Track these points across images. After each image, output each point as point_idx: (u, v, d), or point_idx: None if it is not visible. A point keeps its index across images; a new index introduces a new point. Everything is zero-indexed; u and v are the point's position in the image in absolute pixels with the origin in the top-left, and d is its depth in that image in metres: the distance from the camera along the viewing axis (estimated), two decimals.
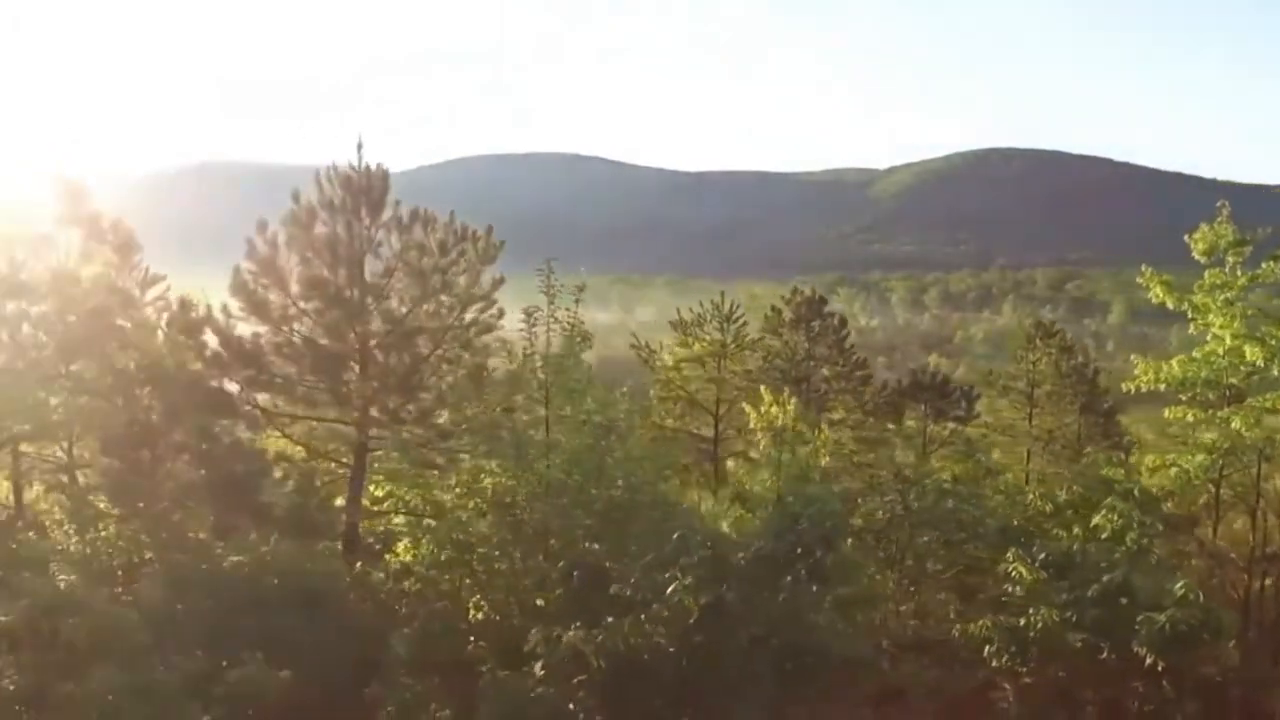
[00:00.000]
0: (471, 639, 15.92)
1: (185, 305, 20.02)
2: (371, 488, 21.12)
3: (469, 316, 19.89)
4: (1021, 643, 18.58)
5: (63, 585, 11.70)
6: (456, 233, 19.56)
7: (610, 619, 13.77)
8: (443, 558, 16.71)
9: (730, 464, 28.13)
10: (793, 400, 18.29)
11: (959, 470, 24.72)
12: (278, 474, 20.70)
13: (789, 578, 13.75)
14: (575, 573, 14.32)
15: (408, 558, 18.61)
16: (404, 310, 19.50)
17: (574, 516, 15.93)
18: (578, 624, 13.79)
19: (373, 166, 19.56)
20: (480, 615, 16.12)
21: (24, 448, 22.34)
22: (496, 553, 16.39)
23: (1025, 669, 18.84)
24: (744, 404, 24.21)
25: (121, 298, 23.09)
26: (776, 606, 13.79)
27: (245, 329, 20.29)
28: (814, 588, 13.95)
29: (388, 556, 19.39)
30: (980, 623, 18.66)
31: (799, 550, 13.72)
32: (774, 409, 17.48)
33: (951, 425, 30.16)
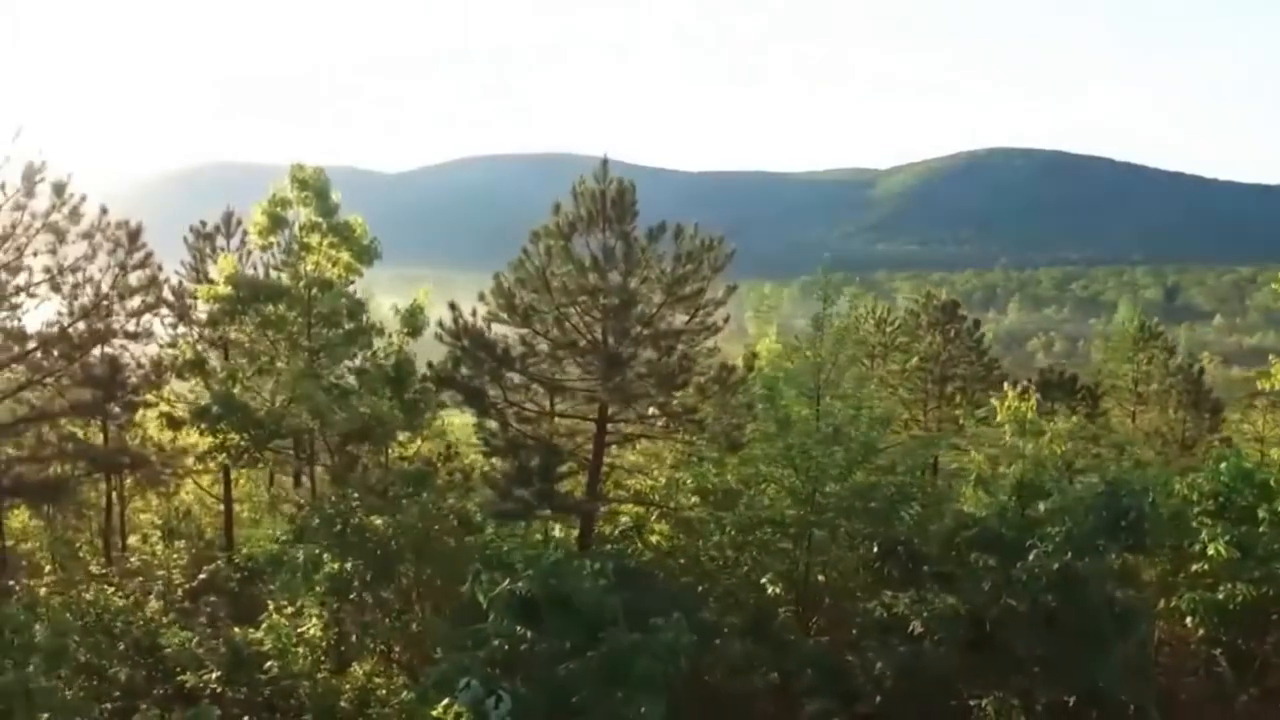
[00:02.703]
0: (780, 609, 17.67)
1: (454, 308, 21.71)
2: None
3: (706, 319, 21.66)
4: (1224, 614, 20.55)
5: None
6: (701, 243, 21.33)
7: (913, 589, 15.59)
8: (721, 539, 18.44)
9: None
10: (1034, 395, 20.12)
11: (1112, 463, 26.72)
12: None
13: (1105, 549, 15.51)
14: (899, 547, 16.10)
15: (656, 540, 20.43)
16: (653, 313, 21.26)
17: (865, 497, 17.69)
18: (890, 593, 15.60)
19: (622, 181, 21.49)
20: (777, 590, 17.89)
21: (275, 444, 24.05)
22: (776, 534, 18.11)
23: (1225, 638, 20.81)
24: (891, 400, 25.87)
25: (352, 302, 24.85)
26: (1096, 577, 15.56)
27: (498, 330, 22.05)
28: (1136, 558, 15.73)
29: (639, 541, 21.20)
30: (1187, 596, 20.58)
31: (1122, 524, 15.54)
32: (1017, 402, 19.30)
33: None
